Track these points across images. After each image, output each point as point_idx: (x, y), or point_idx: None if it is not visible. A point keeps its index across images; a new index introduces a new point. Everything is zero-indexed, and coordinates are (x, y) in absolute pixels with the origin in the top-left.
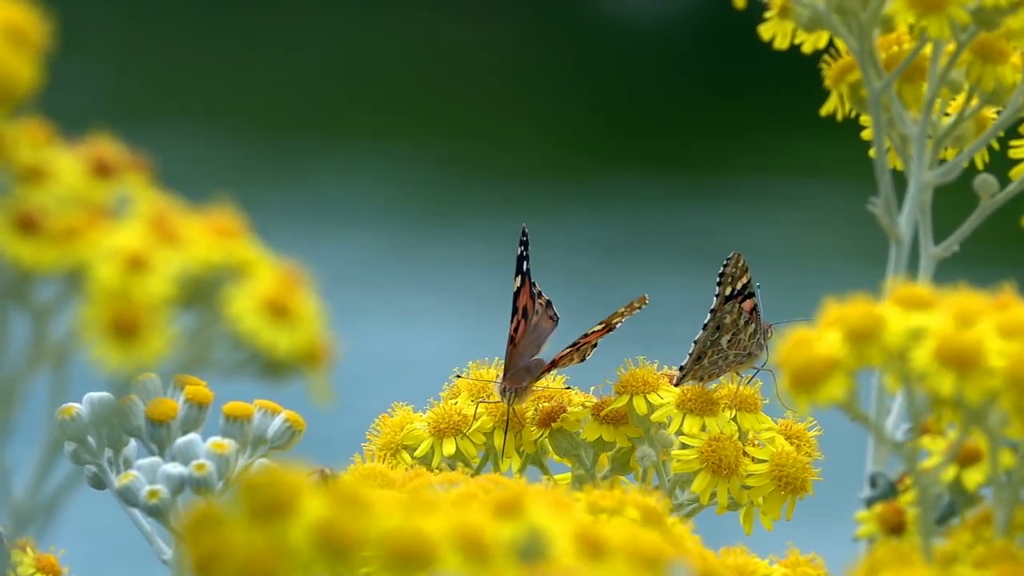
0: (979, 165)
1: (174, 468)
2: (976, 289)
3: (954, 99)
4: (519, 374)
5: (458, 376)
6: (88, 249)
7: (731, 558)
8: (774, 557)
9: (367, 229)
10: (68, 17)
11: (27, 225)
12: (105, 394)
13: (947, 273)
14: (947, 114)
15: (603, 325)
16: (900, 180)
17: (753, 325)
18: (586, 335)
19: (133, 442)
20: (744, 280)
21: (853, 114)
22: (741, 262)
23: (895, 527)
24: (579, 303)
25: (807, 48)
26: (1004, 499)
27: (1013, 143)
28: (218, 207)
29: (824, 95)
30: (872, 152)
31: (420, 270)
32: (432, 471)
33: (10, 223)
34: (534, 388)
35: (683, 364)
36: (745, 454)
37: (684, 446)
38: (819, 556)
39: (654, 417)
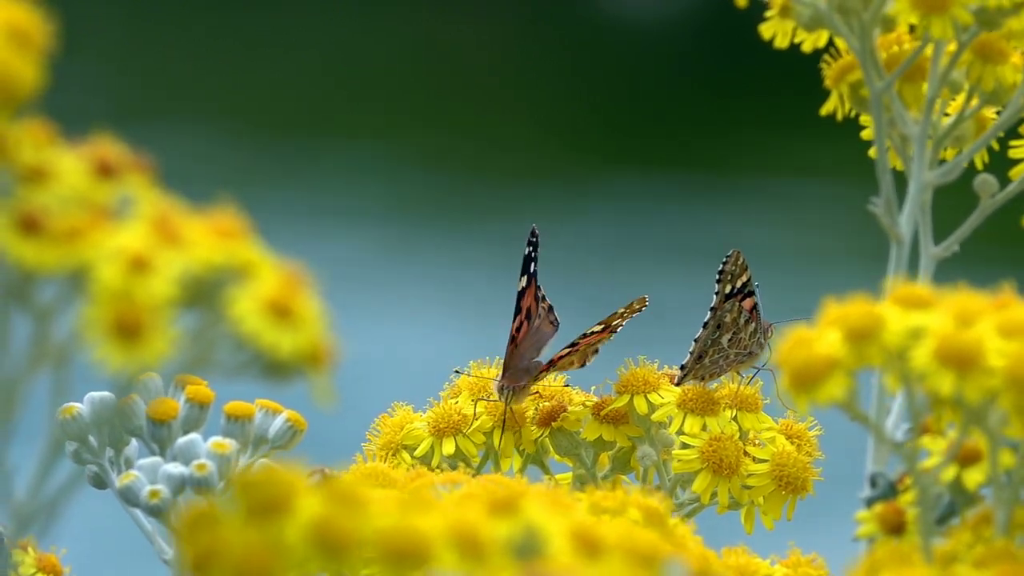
0: (978, 165)
1: (175, 468)
2: (976, 289)
3: (954, 99)
4: (518, 374)
5: (457, 372)
6: (91, 250)
7: (732, 558)
8: (775, 557)
9: (367, 229)
10: (69, 17)
11: (30, 226)
12: (106, 394)
13: (947, 273)
14: (947, 114)
15: (602, 326)
16: (899, 180)
17: (753, 324)
18: (585, 335)
19: (134, 442)
20: (744, 278)
21: (853, 114)
22: (741, 260)
23: (895, 527)
24: (579, 303)
25: (807, 47)
26: (1004, 499)
27: (1013, 143)
28: (220, 208)
29: (824, 95)
30: (872, 152)
31: (420, 270)
32: (432, 471)
33: (13, 223)
34: (532, 389)
35: (684, 363)
36: (746, 454)
37: (685, 446)
38: (820, 556)
39: (655, 417)
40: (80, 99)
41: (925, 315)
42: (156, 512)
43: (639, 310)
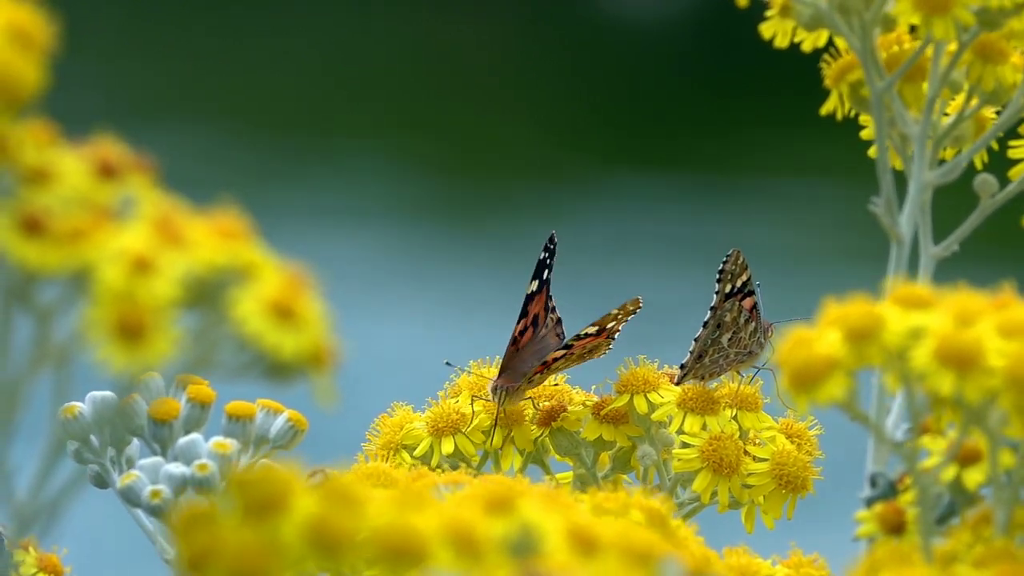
0: (977, 165)
1: (176, 468)
2: (976, 289)
3: (953, 99)
4: (515, 376)
5: (449, 365)
6: (93, 251)
7: (734, 558)
8: (777, 558)
9: (366, 229)
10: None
11: (32, 227)
12: (108, 393)
13: (947, 273)
14: (946, 114)
15: (596, 327)
16: (899, 180)
17: (753, 323)
18: (579, 337)
19: (136, 441)
20: (744, 277)
21: (853, 114)
22: (741, 259)
23: (895, 527)
24: (579, 303)
25: (807, 47)
26: (1004, 499)
27: (1012, 143)
28: (223, 209)
29: (824, 94)
30: (872, 151)
31: (420, 270)
32: (433, 471)
33: (15, 224)
34: (527, 392)
35: (684, 362)
36: (746, 453)
37: (685, 445)
38: (821, 556)
39: (655, 416)
40: (80, 99)
41: (925, 315)
42: (157, 512)
43: (633, 311)
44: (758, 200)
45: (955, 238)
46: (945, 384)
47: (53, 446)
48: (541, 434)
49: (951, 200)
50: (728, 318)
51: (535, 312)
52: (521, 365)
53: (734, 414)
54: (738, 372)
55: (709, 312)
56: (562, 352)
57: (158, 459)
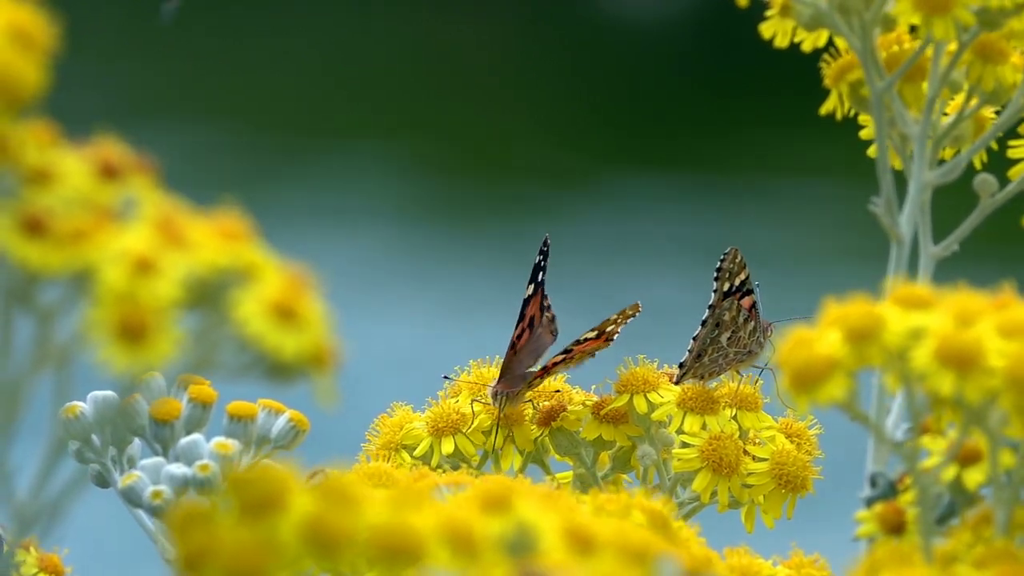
0: (977, 165)
1: (177, 468)
2: (976, 289)
3: (953, 99)
4: (514, 380)
5: (445, 378)
6: (95, 251)
7: (735, 558)
8: (777, 558)
9: (366, 229)
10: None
11: (33, 227)
12: (109, 393)
13: (947, 273)
14: (946, 114)
15: (596, 332)
16: (899, 180)
17: (753, 323)
18: (579, 341)
19: (137, 441)
20: (742, 276)
21: (852, 113)
22: (739, 257)
23: (895, 527)
24: (579, 303)
25: (807, 47)
26: (1004, 499)
27: (1012, 143)
28: (224, 209)
29: (823, 94)
30: (872, 151)
31: (420, 270)
32: (433, 471)
33: (17, 225)
34: (527, 396)
35: (683, 361)
36: (746, 452)
37: (685, 445)
38: (821, 556)
39: (654, 416)
40: (80, 99)
41: (925, 315)
42: (158, 512)
43: (632, 316)
44: (758, 200)
45: (955, 238)
46: (945, 384)
47: (54, 446)
48: (541, 434)
49: (951, 200)
50: (727, 317)
51: (531, 314)
52: (518, 365)
53: (734, 414)
54: (738, 372)
55: (708, 311)
56: (561, 356)
57: (159, 459)
